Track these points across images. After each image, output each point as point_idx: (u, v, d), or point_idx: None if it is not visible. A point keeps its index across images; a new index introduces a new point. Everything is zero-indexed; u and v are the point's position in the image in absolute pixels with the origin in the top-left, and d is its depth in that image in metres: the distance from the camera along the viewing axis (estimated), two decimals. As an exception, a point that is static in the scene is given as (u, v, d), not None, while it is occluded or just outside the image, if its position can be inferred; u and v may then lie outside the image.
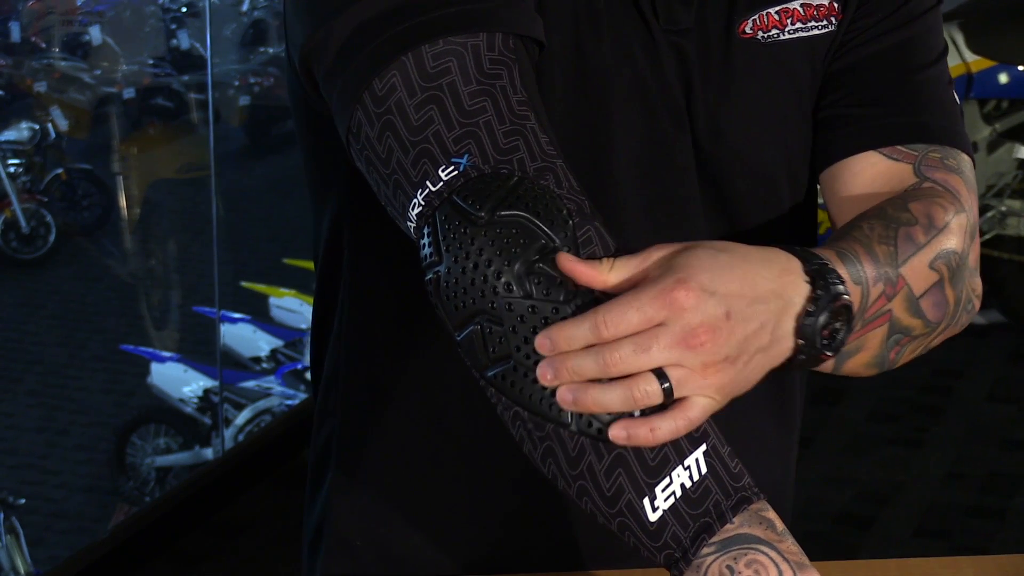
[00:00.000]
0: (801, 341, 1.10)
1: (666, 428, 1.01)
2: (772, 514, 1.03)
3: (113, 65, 5.70)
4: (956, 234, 1.26)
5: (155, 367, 4.97)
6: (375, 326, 1.34)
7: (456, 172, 1.08)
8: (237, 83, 6.09)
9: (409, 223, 1.10)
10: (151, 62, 5.88)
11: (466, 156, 1.08)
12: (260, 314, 5.35)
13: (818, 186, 1.39)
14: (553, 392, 1.02)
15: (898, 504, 4.16)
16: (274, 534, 4.04)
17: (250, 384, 5.02)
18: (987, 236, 5.08)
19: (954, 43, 4.91)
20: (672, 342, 1.00)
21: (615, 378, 1.01)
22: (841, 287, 1.12)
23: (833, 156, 1.33)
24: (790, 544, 1.03)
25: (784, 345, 1.08)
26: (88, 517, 4.72)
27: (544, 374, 1.01)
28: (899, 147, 1.31)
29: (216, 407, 4.86)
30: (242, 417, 4.86)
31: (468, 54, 1.12)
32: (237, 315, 5.24)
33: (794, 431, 1.45)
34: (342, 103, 1.15)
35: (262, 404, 4.91)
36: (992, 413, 4.59)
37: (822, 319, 1.10)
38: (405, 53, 1.12)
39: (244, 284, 5.59)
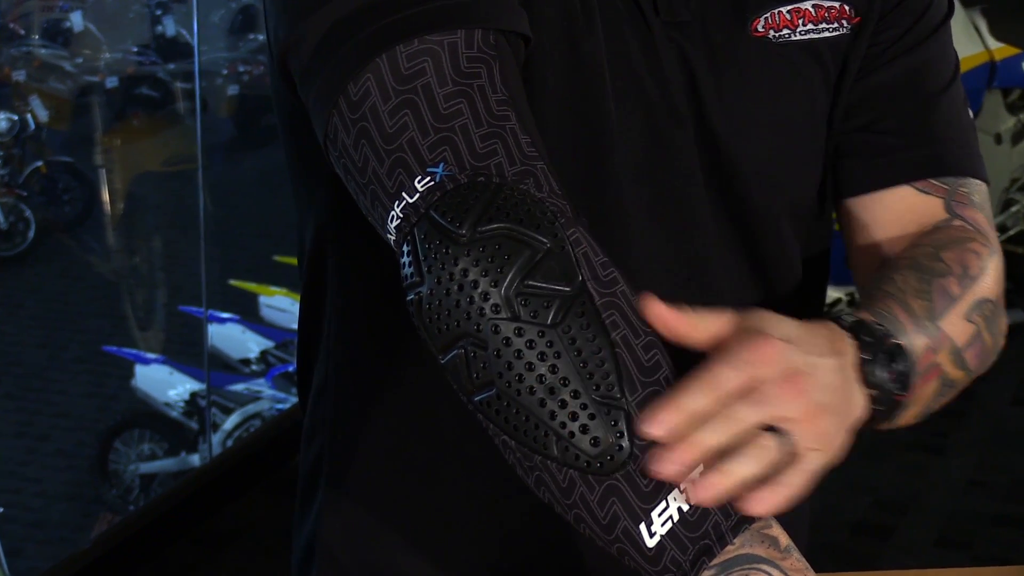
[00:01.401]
0: (873, 391, 1.13)
1: (792, 483, 1.02)
2: (776, 530, 1.04)
3: (95, 53, 5.70)
4: (991, 281, 1.31)
5: (139, 369, 4.97)
6: (365, 335, 1.34)
7: (432, 183, 1.08)
8: (225, 72, 6.09)
9: (388, 235, 1.10)
10: (135, 50, 5.89)
11: (442, 165, 1.08)
12: (249, 314, 5.36)
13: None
14: (537, 424, 1.03)
15: (918, 513, 4.16)
16: (264, 544, 4.04)
17: (239, 387, 5.03)
18: (1011, 232, 5.08)
19: (977, 30, 4.91)
20: (777, 393, 1.02)
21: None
22: (882, 328, 1.16)
23: (863, 187, 1.36)
24: (794, 560, 1.03)
25: (858, 400, 1.11)
26: (69, 526, 4.72)
27: (662, 469, 1.00)
28: (931, 180, 1.35)
29: (203, 411, 4.87)
30: (230, 422, 4.86)
31: (444, 53, 1.12)
32: (225, 315, 5.24)
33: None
34: (319, 107, 1.16)
35: (251, 408, 4.91)
36: (1016, 417, 4.59)
37: (881, 361, 1.15)
38: (380, 54, 1.12)
39: (233, 282, 5.59)
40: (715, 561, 1.02)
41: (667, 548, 1.02)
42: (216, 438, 4.83)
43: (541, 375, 1.03)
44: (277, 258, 5.76)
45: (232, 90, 6.09)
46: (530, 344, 1.03)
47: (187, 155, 5.40)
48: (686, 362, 1.12)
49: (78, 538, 4.52)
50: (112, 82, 5.70)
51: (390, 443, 1.35)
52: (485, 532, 1.34)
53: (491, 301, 1.04)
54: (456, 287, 1.05)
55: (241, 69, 6.15)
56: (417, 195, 1.08)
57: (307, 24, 1.16)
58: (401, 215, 1.08)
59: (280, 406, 4.94)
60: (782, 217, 1.35)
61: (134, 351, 5.15)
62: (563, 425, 1.03)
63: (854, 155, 1.37)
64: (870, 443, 4.52)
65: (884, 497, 4.22)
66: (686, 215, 1.31)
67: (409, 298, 1.07)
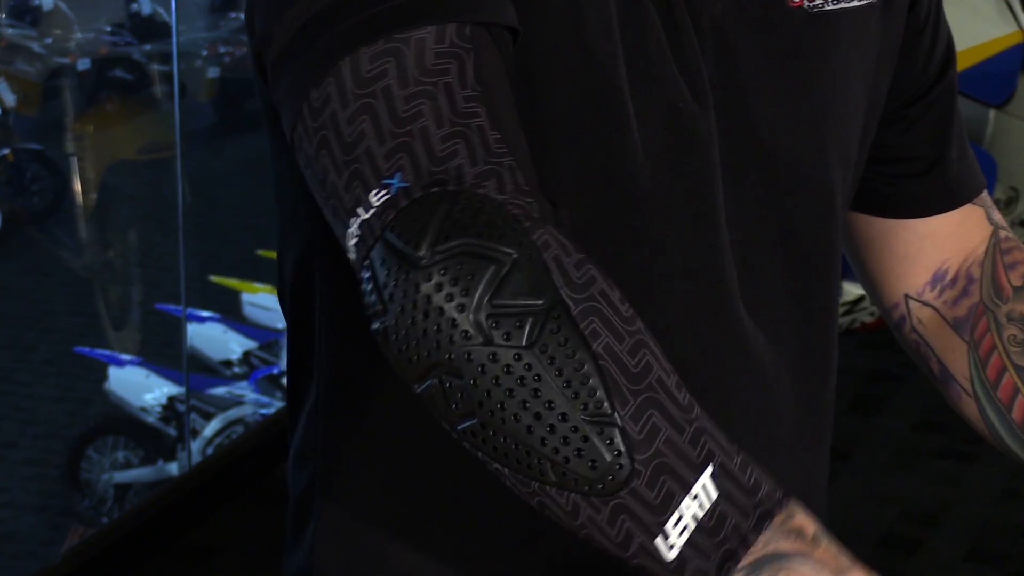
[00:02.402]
0: None
1: None
2: (800, 520, 1.05)
3: (66, 33, 5.70)
4: None
5: (113, 372, 4.98)
6: (358, 354, 1.34)
7: (388, 196, 1.08)
8: (205, 53, 6.09)
9: (349, 255, 1.11)
10: (109, 29, 5.89)
11: (398, 175, 1.08)
12: (231, 312, 5.36)
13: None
14: (528, 451, 1.03)
15: (948, 525, 4.16)
16: (248, 559, 4.05)
17: (220, 391, 5.03)
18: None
19: (1010, 8, 4.91)
20: None
21: None
22: None
23: (939, 207, 1.48)
24: (824, 548, 1.04)
25: None
26: (38, 540, 4.72)
27: None
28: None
29: (182, 417, 4.87)
30: (211, 428, 4.87)
31: (410, 51, 1.11)
32: (205, 313, 5.25)
33: (826, 439, 1.45)
34: (285, 113, 1.16)
35: (233, 413, 4.91)
36: (1053, 423, 4.59)
37: None
38: (344, 57, 1.12)
39: (213, 278, 5.59)
40: (742, 563, 1.02)
41: (689, 558, 1.02)
42: (196, 445, 4.83)
43: (524, 401, 1.03)
44: (261, 252, 5.76)
45: (212, 72, 6.09)
46: (507, 369, 1.03)
47: (164, 142, 5.40)
48: (684, 359, 1.12)
49: (48, 552, 4.53)
50: (84, 64, 5.70)
51: (387, 466, 1.34)
52: (491, 555, 1.34)
53: (460, 328, 1.03)
54: (421, 315, 1.04)
55: (222, 50, 6.15)
56: (372, 211, 1.08)
57: (278, 23, 1.16)
58: (358, 233, 1.09)
59: (264, 411, 4.94)
60: (823, 203, 1.36)
61: (108, 352, 5.15)
62: (556, 451, 1.03)
63: (923, 176, 1.47)
64: (897, 451, 4.52)
65: (912, 508, 4.23)
66: (711, 206, 1.31)
67: (374, 327, 1.07)
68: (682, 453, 1.03)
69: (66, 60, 5.66)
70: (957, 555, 4.02)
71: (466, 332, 1.03)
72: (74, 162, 5.61)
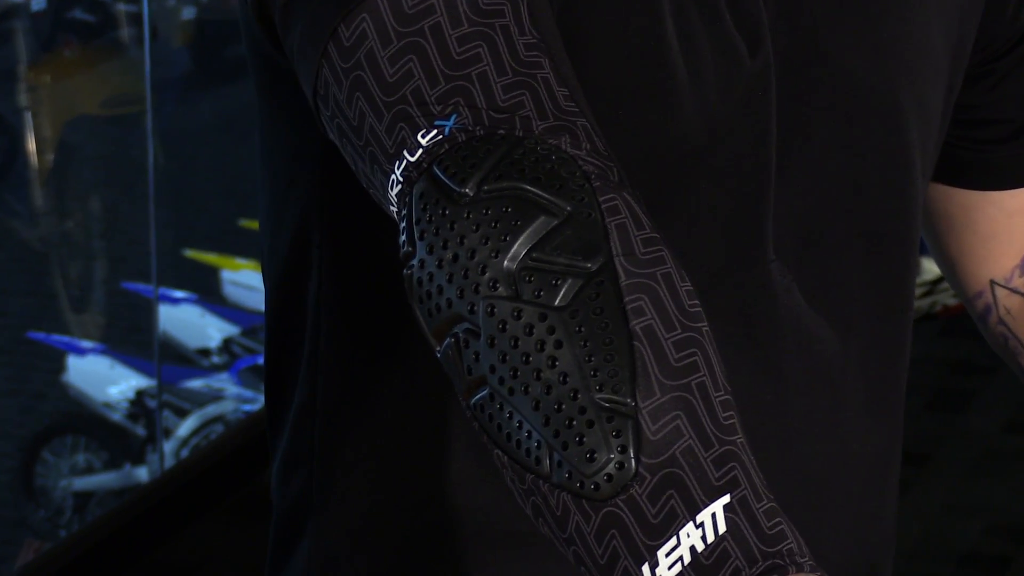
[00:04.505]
0: None
1: None
2: None
3: (18, -33, 5.71)
4: None
5: (73, 361, 4.99)
6: (366, 344, 1.34)
7: (440, 136, 1.08)
8: (179, -10, 6.10)
9: (391, 208, 1.11)
10: (67, -37, 5.89)
11: (453, 117, 1.09)
12: (210, 292, 5.37)
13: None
14: (530, 432, 1.02)
15: (1042, 541, 4.17)
16: (228, 579, 4.06)
17: (197, 384, 5.05)
18: None
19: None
20: None
21: None
22: None
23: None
24: None
25: None
26: (-14, 556, 4.74)
27: None
28: None
29: (152, 414, 4.88)
30: (186, 427, 4.88)
31: None
32: (180, 293, 5.26)
33: (897, 440, 1.45)
34: (304, 57, 1.16)
35: (212, 410, 4.93)
36: None
37: None
38: None
39: (189, 253, 5.60)
40: None
41: None
42: (168, 447, 4.85)
43: (538, 371, 1.02)
44: (244, 223, 5.77)
45: (188, 13, 6.10)
46: (528, 330, 1.03)
47: (132, 95, 5.41)
48: (742, 370, 1.11)
49: (-3, 570, 4.55)
50: (39, 3, 5.71)
51: (396, 474, 1.35)
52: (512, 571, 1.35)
53: (488, 275, 1.04)
54: (450, 257, 1.05)
55: (199, -13, 6.16)
56: (420, 151, 1.08)
57: None
58: (402, 178, 1.09)
59: (247, 407, 4.96)
60: (899, 167, 1.37)
61: (66, 338, 5.16)
62: (556, 434, 1.01)
63: (1012, 141, 1.47)
64: (983, 455, 4.52)
65: (1000, 521, 4.23)
66: (764, 177, 1.30)
67: (405, 273, 1.07)
68: (700, 470, 1.01)
69: (18, -1, 5.67)
70: (1053, 576, 4.02)
71: (494, 281, 1.03)
72: (28, 117, 5.63)
